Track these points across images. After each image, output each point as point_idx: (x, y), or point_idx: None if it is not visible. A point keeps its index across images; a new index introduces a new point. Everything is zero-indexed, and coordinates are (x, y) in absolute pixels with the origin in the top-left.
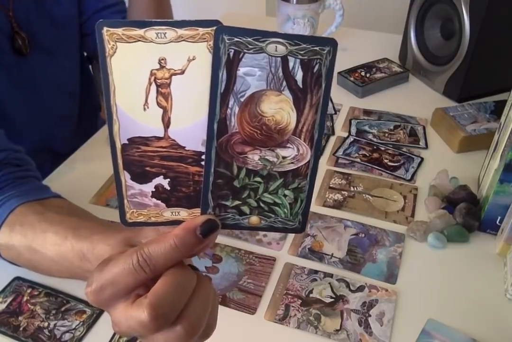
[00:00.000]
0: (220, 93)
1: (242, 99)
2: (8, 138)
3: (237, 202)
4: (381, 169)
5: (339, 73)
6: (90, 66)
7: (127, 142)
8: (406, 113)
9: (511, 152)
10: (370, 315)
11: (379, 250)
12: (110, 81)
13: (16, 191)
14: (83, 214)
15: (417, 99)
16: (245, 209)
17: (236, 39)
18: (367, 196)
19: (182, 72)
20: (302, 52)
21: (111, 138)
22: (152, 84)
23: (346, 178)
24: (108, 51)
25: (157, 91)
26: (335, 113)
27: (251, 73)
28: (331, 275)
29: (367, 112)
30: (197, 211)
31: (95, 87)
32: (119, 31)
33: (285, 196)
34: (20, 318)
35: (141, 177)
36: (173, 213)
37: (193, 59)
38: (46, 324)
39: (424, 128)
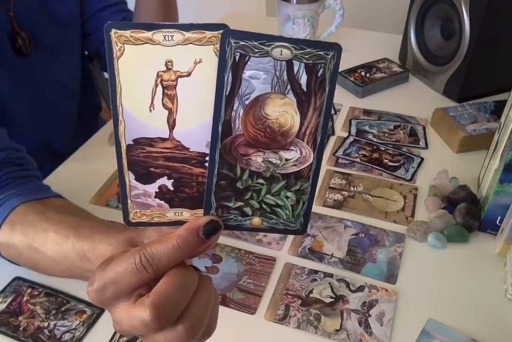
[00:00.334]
0: (225, 95)
1: (247, 102)
2: (9, 137)
3: (239, 203)
4: (381, 169)
5: (339, 73)
6: (90, 66)
7: (132, 143)
8: (406, 113)
9: (511, 152)
10: (370, 315)
11: (379, 250)
12: (116, 82)
13: (17, 190)
14: (83, 213)
15: (417, 99)
16: (248, 210)
17: (242, 42)
18: (367, 196)
19: (188, 74)
20: (307, 56)
21: (116, 138)
22: (159, 86)
23: (346, 178)
24: (115, 53)
25: (163, 93)
26: (335, 113)
27: (256, 77)
28: (331, 275)
29: (367, 112)
30: (200, 211)
31: (96, 87)
32: (127, 33)
33: (287, 197)
34: (20, 318)
35: (145, 178)
36: (176, 214)
37: (200, 62)
38: (46, 324)
39: (424, 128)
